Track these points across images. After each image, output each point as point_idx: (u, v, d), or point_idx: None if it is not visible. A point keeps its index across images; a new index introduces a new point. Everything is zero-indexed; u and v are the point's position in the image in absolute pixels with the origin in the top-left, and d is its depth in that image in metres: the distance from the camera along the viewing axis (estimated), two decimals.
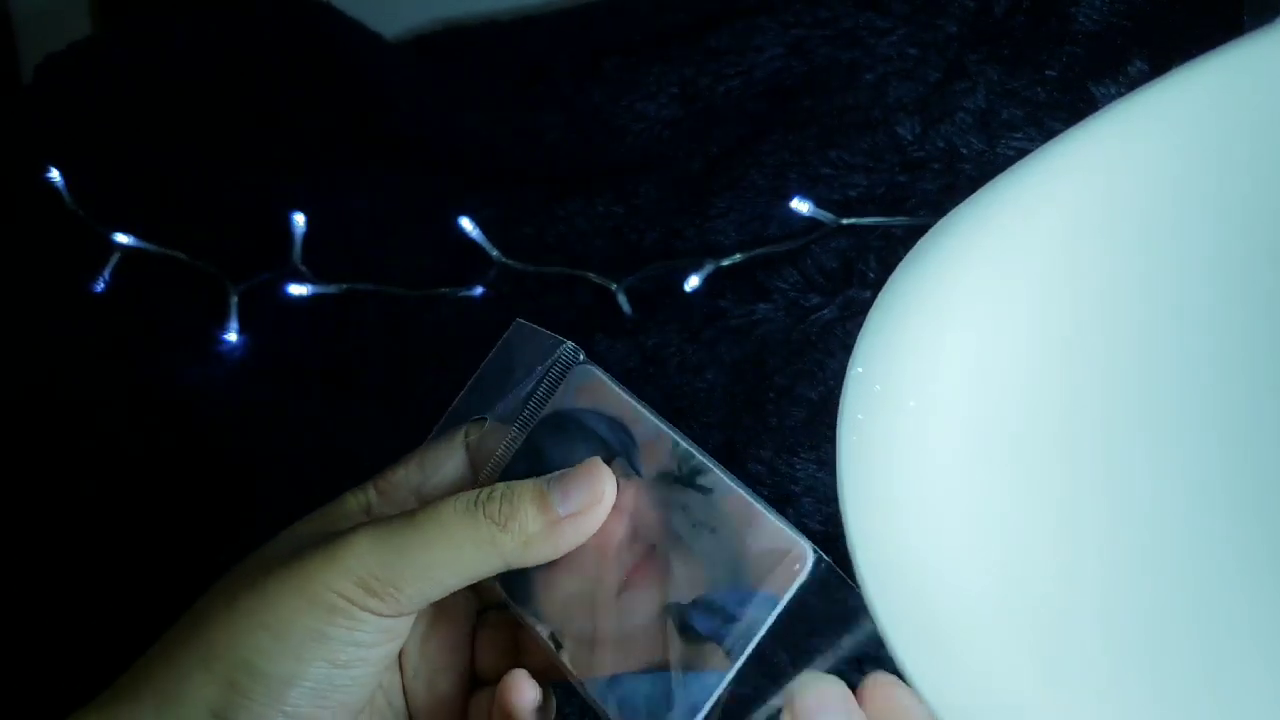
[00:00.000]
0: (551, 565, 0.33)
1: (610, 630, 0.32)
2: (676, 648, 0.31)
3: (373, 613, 0.31)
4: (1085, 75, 0.48)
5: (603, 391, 0.35)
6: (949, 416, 0.33)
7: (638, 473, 0.33)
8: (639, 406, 0.34)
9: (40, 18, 0.67)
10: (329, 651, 0.31)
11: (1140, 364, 0.33)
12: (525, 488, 0.32)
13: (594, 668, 0.32)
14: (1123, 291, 0.33)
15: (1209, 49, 0.32)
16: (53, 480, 0.53)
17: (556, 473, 0.33)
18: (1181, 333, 0.33)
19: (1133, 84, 0.47)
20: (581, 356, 0.36)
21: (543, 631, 0.33)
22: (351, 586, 0.31)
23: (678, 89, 0.53)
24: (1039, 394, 0.33)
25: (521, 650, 0.36)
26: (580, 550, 0.32)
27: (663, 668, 0.31)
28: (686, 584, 0.32)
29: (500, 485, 0.32)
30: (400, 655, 0.36)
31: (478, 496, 0.32)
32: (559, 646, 0.33)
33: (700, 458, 0.33)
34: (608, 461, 0.33)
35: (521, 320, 0.37)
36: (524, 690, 0.32)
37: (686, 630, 0.31)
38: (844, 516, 0.32)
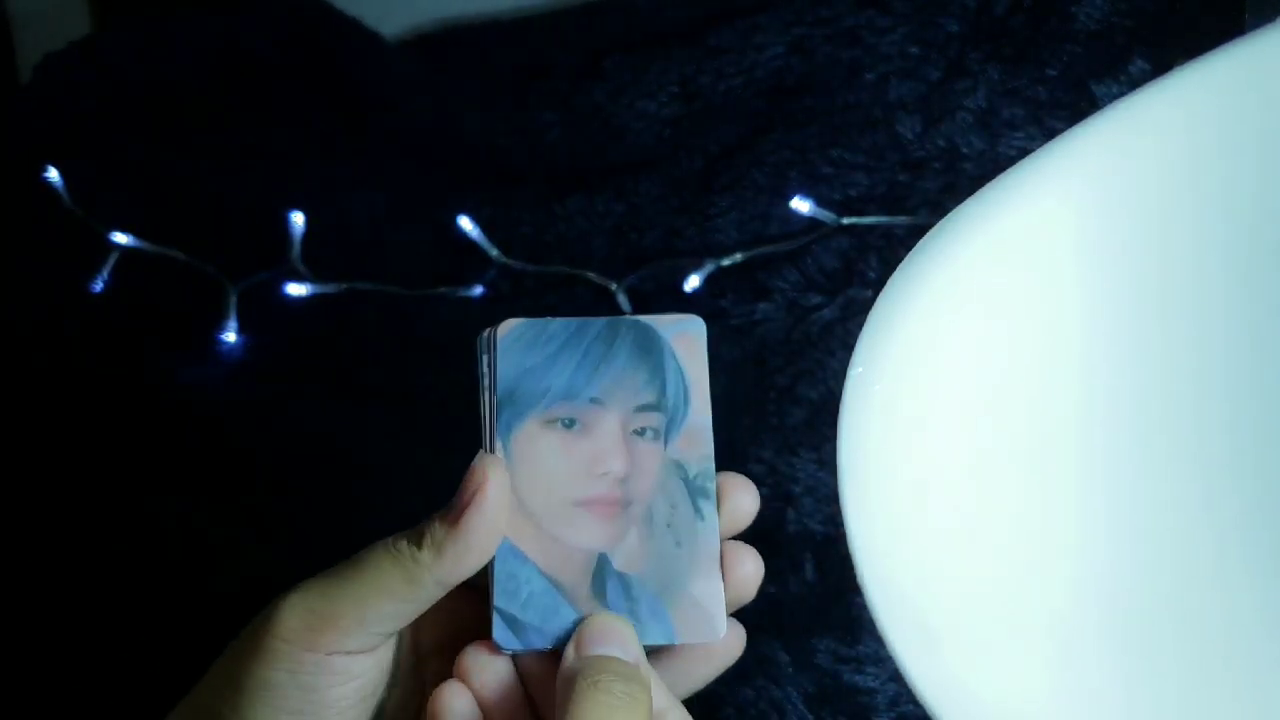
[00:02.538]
0: (549, 436, 0.33)
1: (546, 518, 0.33)
2: (581, 587, 0.33)
3: (314, 652, 0.32)
4: (1086, 74, 0.48)
5: (696, 353, 0.34)
6: (950, 416, 0.33)
7: (665, 440, 0.34)
8: (708, 401, 0.34)
9: (39, 17, 0.67)
10: (278, 698, 0.32)
11: (1141, 362, 0.33)
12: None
13: (515, 530, 0.33)
14: (1124, 290, 0.33)
15: (1210, 48, 0.32)
16: (51, 479, 0.53)
17: None
18: (1183, 331, 0.33)
19: (1134, 83, 0.47)
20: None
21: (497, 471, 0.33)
22: (291, 630, 0.32)
23: (678, 87, 0.53)
24: (1040, 394, 0.33)
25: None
26: (578, 446, 0.33)
27: (557, 585, 0.33)
28: (627, 556, 0.33)
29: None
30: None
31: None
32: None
33: (713, 489, 0.34)
34: (652, 407, 0.34)
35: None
36: (455, 698, 0.33)
37: (597, 584, 0.33)
38: (844, 516, 0.32)
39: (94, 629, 0.49)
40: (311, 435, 0.52)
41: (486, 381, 0.34)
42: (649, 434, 0.33)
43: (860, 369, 0.33)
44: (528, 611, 0.33)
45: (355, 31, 0.56)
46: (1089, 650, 0.31)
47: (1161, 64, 0.47)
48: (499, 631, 0.33)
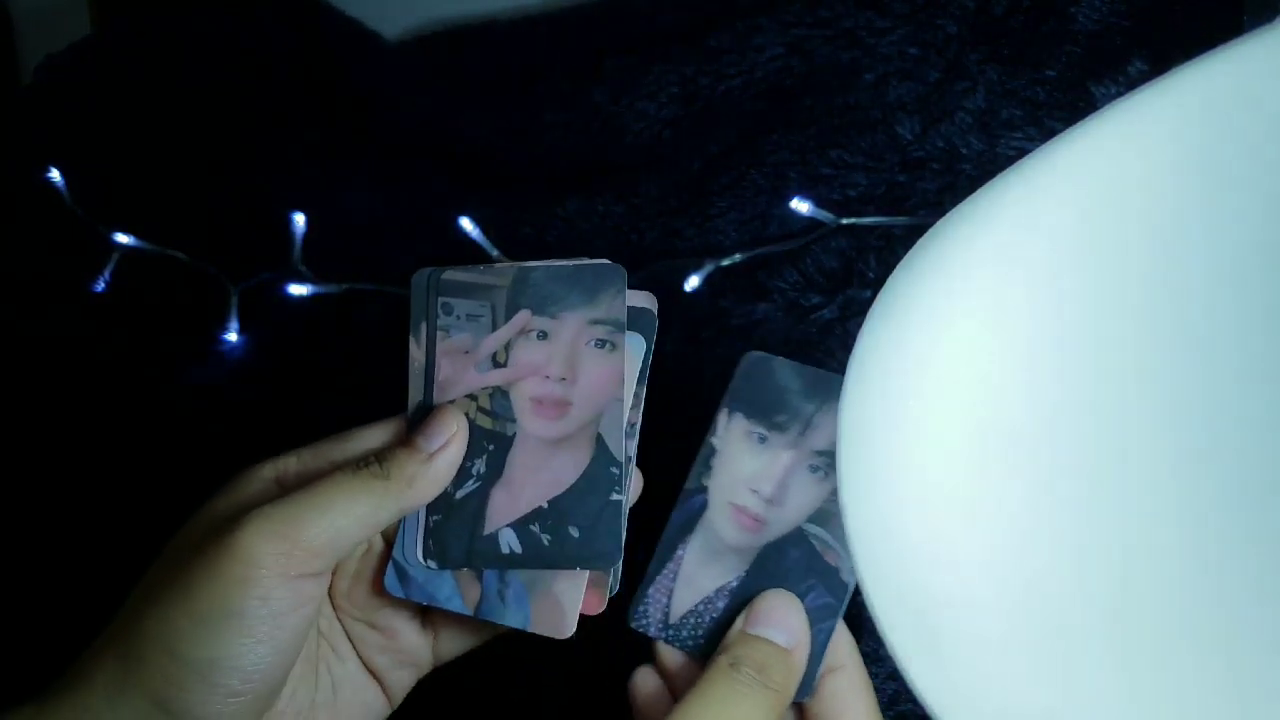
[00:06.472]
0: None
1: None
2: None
3: (281, 574, 0.32)
4: (1085, 75, 0.48)
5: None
6: (949, 416, 0.33)
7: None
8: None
9: (40, 18, 0.67)
10: (246, 628, 0.32)
11: (1141, 363, 0.33)
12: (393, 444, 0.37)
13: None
14: (1123, 290, 0.33)
15: (1209, 48, 0.32)
16: (52, 480, 0.53)
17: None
18: (1183, 331, 0.33)
19: (1132, 84, 0.47)
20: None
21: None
22: (263, 554, 0.32)
23: (678, 88, 0.53)
24: (1040, 393, 0.33)
25: None
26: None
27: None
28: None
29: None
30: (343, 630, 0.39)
31: (360, 461, 0.36)
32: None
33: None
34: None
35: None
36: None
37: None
38: (843, 516, 0.32)
39: (92, 628, 0.49)
40: (312, 435, 0.52)
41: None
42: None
43: (860, 369, 0.33)
44: (417, 569, 0.37)
45: (355, 31, 0.56)
46: (1091, 651, 0.31)
47: (1160, 64, 0.47)
48: (389, 579, 0.37)
